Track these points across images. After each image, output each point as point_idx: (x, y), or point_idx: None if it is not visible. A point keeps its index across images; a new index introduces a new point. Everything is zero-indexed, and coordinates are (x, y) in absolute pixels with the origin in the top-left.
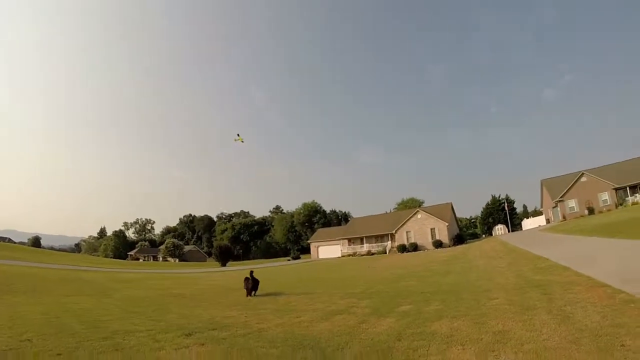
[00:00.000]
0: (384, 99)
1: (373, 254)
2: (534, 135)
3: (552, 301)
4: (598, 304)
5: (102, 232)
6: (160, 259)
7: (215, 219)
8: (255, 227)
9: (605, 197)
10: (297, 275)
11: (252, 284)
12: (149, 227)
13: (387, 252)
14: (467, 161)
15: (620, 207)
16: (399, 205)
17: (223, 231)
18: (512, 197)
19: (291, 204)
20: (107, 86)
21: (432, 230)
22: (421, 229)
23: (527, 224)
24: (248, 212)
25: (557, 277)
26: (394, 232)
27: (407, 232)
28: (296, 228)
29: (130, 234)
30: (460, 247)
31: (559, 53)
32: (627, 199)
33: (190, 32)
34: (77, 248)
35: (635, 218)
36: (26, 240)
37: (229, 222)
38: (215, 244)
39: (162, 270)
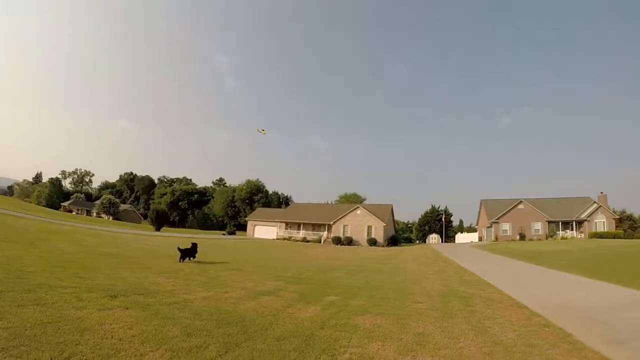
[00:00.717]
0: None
1: (308, 241)
2: (484, 156)
3: (472, 313)
4: (515, 323)
5: (38, 177)
6: (94, 214)
7: (156, 182)
8: (196, 195)
9: (538, 227)
10: (230, 250)
11: (185, 252)
12: (87, 180)
13: (322, 242)
14: (416, 167)
15: (550, 239)
16: (341, 198)
17: (162, 195)
18: (451, 210)
19: (235, 179)
20: (59, 29)
21: (369, 227)
22: (358, 224)
23: (461, 238)
24: (190, 180)
25: (481, 292)
26: (331, 223)
27: (344, 225)
28: (236, 203)
29: (67, 184)
30: (393, 249)
31: (523, 86)
32: (557, 232)
33: None
34: (9, 191)
35: (562, 250)
36: None
37: (169, 186)
38: (152, 206)
39: (95, 226)
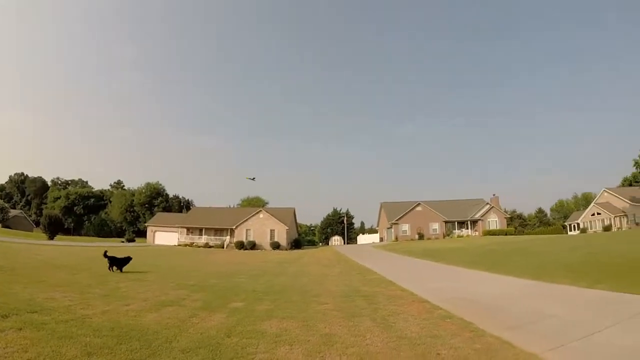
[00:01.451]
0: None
1: (211, 247)
2: (385, 160)
3: (376, 311)
4: (418, 317)
5: None
6: None
7: (49, 184)
8: (92, 199)
9: (436, 226)
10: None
11: (115, 260)
12: None
13: (225, 247)
14: (317, 170)
15: (447, 238)
16: (243, 201)
17: (56, 199)
18: (352, 213)
19: (134, 182)
20: None
21: (272, 231)
22: (261, 228)
23: (363, 239)
24: (87, 182)
25: (384, 290)
26: (234, 227)
27: (247, 229)
28: (135, 208)
29: None
30: (296, 252)
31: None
32: (454, 231)
33: None
34: None
35: (459, 248)
36: None
37: (64, 189)
38: (45, 212)
39: None
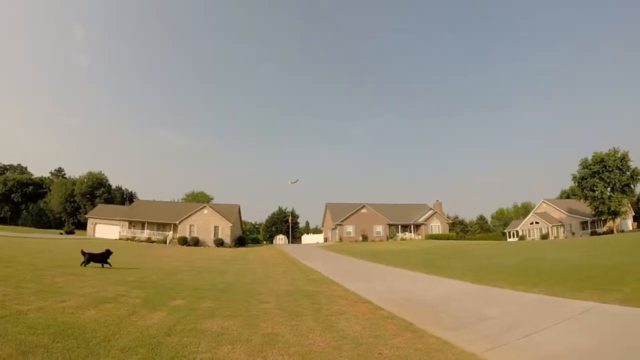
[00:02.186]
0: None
1: (153, 241)
2: (333, 161)
3: (319, 310)
4: (360, 317)
5: None
6: None
7: None
8: (31, 187)
9: (380, 229)
10: (68, 252)
11: (93, 256)
12: None
13: (168, 242)
14: (263, 168)
15: (390, 240)
16: (187, 196)
17: None
18: (297, 212)
19: (76, 170)
20: None
21: (216, 228)
22: (205, 224)
23: (307, 239)
24: (26, 168)
25: (326, 290)
26: (177, 222)
27: (190, 225)
28: (76, 198)
29: None
30: (240, 249)
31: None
32: (397, 234)
33: None
34: None
35: (402, 250)
36: None
37: (1, 174)
38: None
39: None
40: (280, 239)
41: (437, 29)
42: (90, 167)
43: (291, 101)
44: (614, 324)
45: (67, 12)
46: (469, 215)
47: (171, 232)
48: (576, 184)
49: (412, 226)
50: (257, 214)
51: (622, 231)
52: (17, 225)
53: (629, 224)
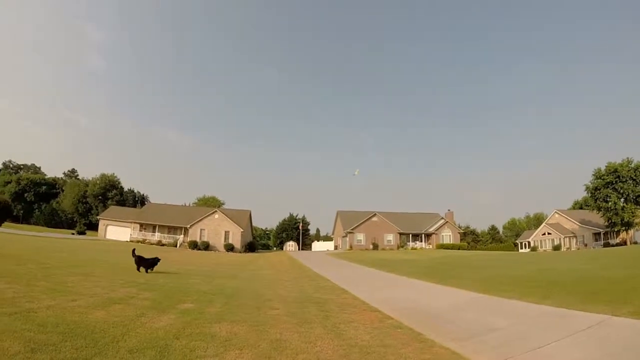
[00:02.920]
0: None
1: (164, 244)
2: (343, 169)
3: (328, 318)
4: (369, 326)
5: None
6: None
7: (0, 166)
8: (44, 187)
9: (390, 237)
10: (79, 252)
11: (143, 260)
12: None
13: (178, 246)
14: (275, 175)
15: (401, 249)
16: (199, 200)
17: (6, 183)
18: (308, 219)
19: (89, 172)
20: None
21: (227, 233)
22: (216, 229)
23: (317, 246)
24: (40, 168)
25: (336, 297)
26: (188, 226)
27: (201, 229)
28: (88, 200)
29: None
30: (250, 255)
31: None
32: (408, 243)
33: None
34: None
35: (412, 260)
36: None
37: (15, 173)
38: None
39: None
40: (291, 246)
41: (452, 35)
42: (103, 169)
43: (300, 107)
44: (625, 338)
45: (80, 13)
46: (480, 225)
47: (182, 235)
48: (589, 194)
49: (423, 235)
50: (267, 220)
51: (636, 243)
52: (30, 224)
53: None
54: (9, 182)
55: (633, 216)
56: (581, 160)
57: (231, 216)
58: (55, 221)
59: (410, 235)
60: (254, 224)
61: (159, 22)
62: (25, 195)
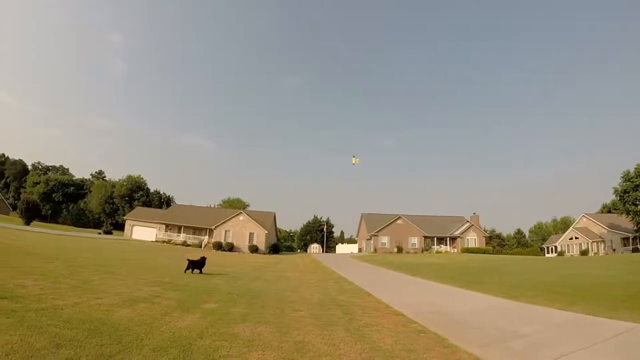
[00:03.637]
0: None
1: (188, 245)
2: (367, 171)
3: (351, 321)
4: (393, 330)
5: None
6: None
7: (30, 168)
8: (72, 188)
9: (415, 241)
10: (105, 251)
11: (194, 263)
12: None
13: (203, 246)
14: (299, 177)
15: (425, 252)
16: (224, 202)
17: (35, 184)
18: (332, 222)
19: (115, 173)
20: None
21: (251, 234)
22: (240, 231)
23: (342, 248)
24: (67, 170)
25: (359, 300)
26: (213, 227)
27: (226, 230)
28: (115, 200)
29: None
30: (274, 256)
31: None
32: (432, 246)
33: None
34: None
35: (437, 263)
36: None
37: (44, 174)
38: (23, 196)
39: None
40: (315, 248)
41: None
42: (129, 172)
43: (323, 110)
44: None
45: (105, 20)
46: (506, 229)
47: (206, 236)
48: (618, 197)
49: (447, 239)
50: (292, 222)
51: None
52: (57, 223)
53: None
54: (38, 183)
55: None
56: (612, 161)
57: (256, 218)
58: (83, 221)
59: (435, 239)
60: (278, 226)
61: (180, 30)
62: (54, 195)
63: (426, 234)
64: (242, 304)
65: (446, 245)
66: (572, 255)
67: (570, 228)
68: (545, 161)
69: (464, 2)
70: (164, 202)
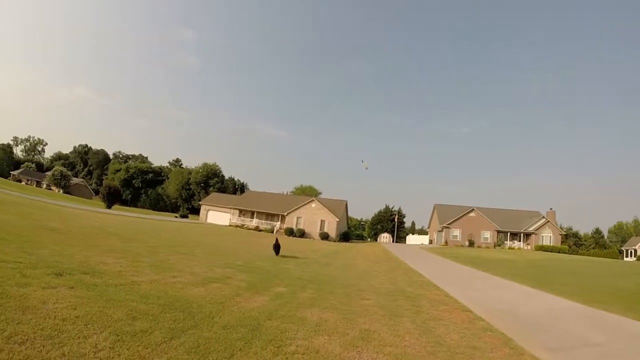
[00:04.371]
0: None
1: (261, 230)
2: (441, 162)
3: (418, 313)
4: (459, 325)
5: None
6: (45, 186)
7: (111, 157)
8: (150, 175)
9: (487, 235)
10: (181, 233)
11: (277, 247)
12: (40, 149)
13: (275, 232)
14: (373, 166)
15: (498, 248)
16: (296, 189)
17: (116, 171)
18: (404, 211)
19: (192, 161)
20: None
21: (322, 222)
22: (312, 218)
23: (412, 239)
24: (146, 158)
25: (427, 293)
26: (285, 214)
27: (297, 217)
28: (191, 186)
29: (18, 151)
30: (344, 244)
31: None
32: (505, 242)
33: None
34: None
35: (509, 260)
36: None
37: (124, 163)
38: (105, 182)
39: (44, 198)
40: (385, 237)
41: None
42: (205, 159)
43: (394, 100)
44: None
45: (178, 17)
46: (584, 228)
47: (279, 222)
48: None
49: (521, 235)
50: (363, 211)
51: None
52: (136, 207)
53: None
54: (119, 170)
55: None
56: None
57: (327, 205)
58: (160, 205)
59: (508, 234)
60: (349, 215)
61: (247, 22)
62: (134, 181)
63: (499, 229)
64: (311, 289)
65: (520, 241)
66: None
67: None
68: (632, 152)
69: None
70: (238, 188)
